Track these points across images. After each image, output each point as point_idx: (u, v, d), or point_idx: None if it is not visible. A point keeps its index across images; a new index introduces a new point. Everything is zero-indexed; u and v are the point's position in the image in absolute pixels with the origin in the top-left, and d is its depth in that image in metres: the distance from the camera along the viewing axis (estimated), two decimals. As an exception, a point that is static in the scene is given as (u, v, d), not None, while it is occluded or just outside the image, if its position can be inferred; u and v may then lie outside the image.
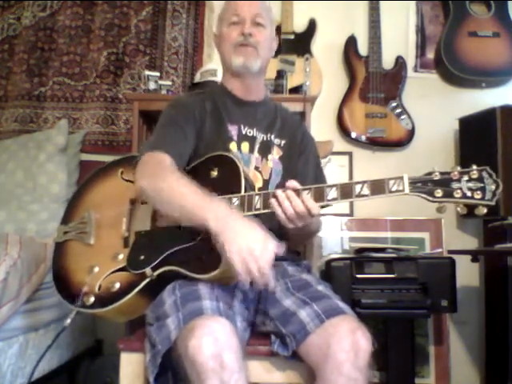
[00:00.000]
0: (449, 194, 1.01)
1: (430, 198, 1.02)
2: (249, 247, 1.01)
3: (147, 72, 2.20)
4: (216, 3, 2.57)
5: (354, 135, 2.44)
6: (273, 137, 1.46)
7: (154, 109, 2.01)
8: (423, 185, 1.04)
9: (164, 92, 2.17)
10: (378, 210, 2.34)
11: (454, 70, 2.41)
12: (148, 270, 1.16)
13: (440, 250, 2.21)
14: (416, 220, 2.29)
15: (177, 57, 2.56)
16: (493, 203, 1.00)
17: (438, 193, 1.02)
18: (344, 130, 2.46)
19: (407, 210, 2.34)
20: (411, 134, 2.43)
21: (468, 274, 2.30)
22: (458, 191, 1.01)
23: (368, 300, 1.80)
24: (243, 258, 1.01)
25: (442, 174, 1.03)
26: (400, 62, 2.48)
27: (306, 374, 1.13)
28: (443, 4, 2.54)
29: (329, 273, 1.85)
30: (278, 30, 2.48)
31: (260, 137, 1.44)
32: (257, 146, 1.42)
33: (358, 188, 1.07)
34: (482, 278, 2.36)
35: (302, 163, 1.47)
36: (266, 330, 1.19)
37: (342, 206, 2.44)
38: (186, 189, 1.12)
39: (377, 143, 2.44)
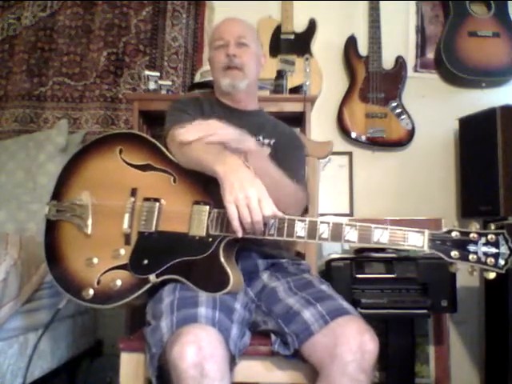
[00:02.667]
0: (464, 257, 1.05)
1: (447, 258, 1.06)
2: (246, 200, 1.05)
3: (147, 72, 2.20)
4: (216, 3, 2.57)
5: (353, 135, 2.44)
6: (261, 137, 1.48)
7: (154, 109, 2.01)
8: (442, 243, 1.07)
9: (164, 92, 2.17)
10: (378, 210, 2.34)
11: (454, 70, 2.41)
12: (152, 277, 1.16)
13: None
14: (416, 220, 2.29)
15: (177, 57, 2.56)
16: (503, 272, 1.04)
17: (456, 255, 1.05)
18: (344, 130, 2.46)
19: (407, 210, 2.35)
20: (411, 134, 2.44)
21: (468, 274, 2.30)
22: (474, 255, 1.05)
23: (368, 300, 1.80)
24: (238, 209, 1.05)
25: (461, 233, 1.07)
26: (400, 62, 2.48)
27: (308, 373, 1.13)
28: (443, 4, 2.54)
29: (329, 273, 1.86)
30: (278, 29, 2.49)
31: None
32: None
33: (377, 234, 1.09)
34: (481, 278, 2.36)
35: (279, 165, 1.46)
36: (267, 329, 1.19)
37: (342, 206, 2.45)
38: (199, 144, 1.19)
39: (377, 143, 2.44)
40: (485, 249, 1.05)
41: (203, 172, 1.15)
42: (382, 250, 2.01)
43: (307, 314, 1.10)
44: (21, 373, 1.55)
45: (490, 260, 1.04)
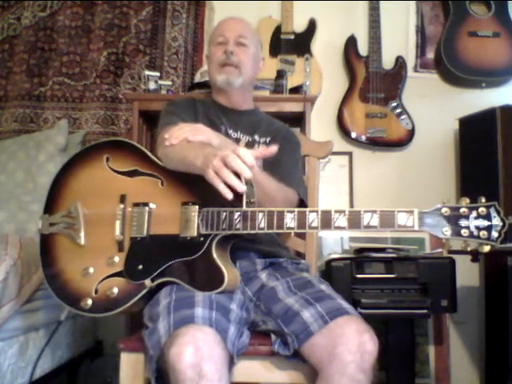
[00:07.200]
0: (456, 233, 1.03)
1: (439, 235, 1.04)
2: (222, 161, 1.02)
3: (147, 72, 2.20)
4: (216, 3, 2.57)
5: (353, 135, 2.44)
6: (257, 136, 1.49)
7: (154, 109, 2.01)
8: (432, 221, 1.04)
9: (164, 92, 2.17)
10: (378, 210, 2.34)
11: (454, 70, 2.41)
12: (148, 281, 1.16)
13: (440, 250, 2.21)
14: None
15: (177, 57, 2.56)
16: (497, 244, 1.02)
17: (447, 231, 1.03)
18: (344, 130, 2.46)
19: (407, 210, 2.35)
20: (411, 134, 2.44)
21: (468, 273, 2.30)
22: (466, 230, 1.02)
23: (368, 300, 1.80)
24: (218, 174, 1.02)
25: (451, 209, 1.04)
26: (400, 62, 2.48)
27: (307, 373, 1.13)
28: (443, 4, 2.54)
29: (329, 273, 1.86)
30: (278, 29, 2.49)
31: (244, 139, 1.48)
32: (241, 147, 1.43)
33: (367, 217, 1.07)
34: (481, 278, 2.36)
35: (274, 160, 1.45)
36: (267, 329, 1.19)
37: (342, 206, 2.44)
38: (184, 144, 1.20)
39: (377, 143, 2.44)
40: (477, 222, 1.02)
41: (189, 171, 1.15)
42: (382, 249, 2.01)
43: (307, 314, 1.09)
44: (21, 373, 1.56)
45: (483, 233, 1.01)
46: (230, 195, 1.03)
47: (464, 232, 1.02)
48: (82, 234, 1.26)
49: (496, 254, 2.10)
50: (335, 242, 2.30)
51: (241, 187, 1.02)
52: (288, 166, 1.46)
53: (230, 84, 1.49)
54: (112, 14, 2.57)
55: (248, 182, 1.13)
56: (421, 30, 2.55)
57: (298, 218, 1.10)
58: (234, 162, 1.01)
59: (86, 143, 2.46)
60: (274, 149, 1.09)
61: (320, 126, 2.33)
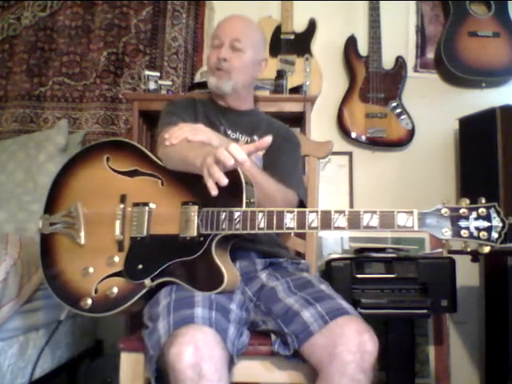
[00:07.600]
0: (456, 234, 1.03)
1: (438, 236, 1.04)
2: (214, 159, 1.02)
3: (147, 72, 2.20)
4: (216, 3, 2.57)
5: (353, 135, 2.44)
6: (256, 137, 1.48)
7: (154, 109, 2.01)
8: (432, 222, 1.04)
9: (164, 92, 2.17)
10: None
11: (454, 70, 2.41)
12: (147, 281, 1.16)
13: (440, 249, 2.21)
14: (416, 220, 2.28)
15: (177, 57, 2.56)
16: (497, 245, 1.01)
17: (447, 232, 1.03)
18: (344, 130, 2.46)
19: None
20: (411, 134, 2.44)
21: (468, 274, 2.30)
22: (466, 231, 1.02)
23: (368, 300, 1.80)
24: (209, 170, 1.02)
25: (451, 210, 1.03)
26: (400, 62, 2.48)
27: (307, 373, 1.13)
28: (443, 4, 2.54)
29: (329, 273, 1.86)
30: (278, 29, 2.49)
31: (244, 139, 1.47)
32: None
33: (366, 218, 1.06)
34: (481, 278, 2.36)
35: (273, 160, 1.46)
36: (267, 329, 1.19)
37: (342, 206, 2.44)
38: (184, 144, 1.20)
39: (377, 143, 2.44)
40: (476, 223, 1.02)
41: (189, 171, 1.16)
42: (382, 249, 2.01)
43: (307, 314, 1.10)
44: (21, 373, 1.56)
45: (483, 234, 1.01)
46: (214, 192, 1.03)
47: (464, 233, 1.02)
48: (82, 234, 1.26)
49: (496, 254, 2.10)
50: (335, 242, 2.30)
51: (222, 180, 1.01)
52: (288, 166, 1.46)
53: (219, 88, 1.49)
54: (112, 14, 2.57)
55: (248, 182, 1.14)
56: (421, 30, 2.55)
57: (298, 218, 1.10)
58: (222, 155, 1.00)
59: (86, 143, 2.46)
60: (268, 139, 1.08)
61: (320, 126, 2.33)
